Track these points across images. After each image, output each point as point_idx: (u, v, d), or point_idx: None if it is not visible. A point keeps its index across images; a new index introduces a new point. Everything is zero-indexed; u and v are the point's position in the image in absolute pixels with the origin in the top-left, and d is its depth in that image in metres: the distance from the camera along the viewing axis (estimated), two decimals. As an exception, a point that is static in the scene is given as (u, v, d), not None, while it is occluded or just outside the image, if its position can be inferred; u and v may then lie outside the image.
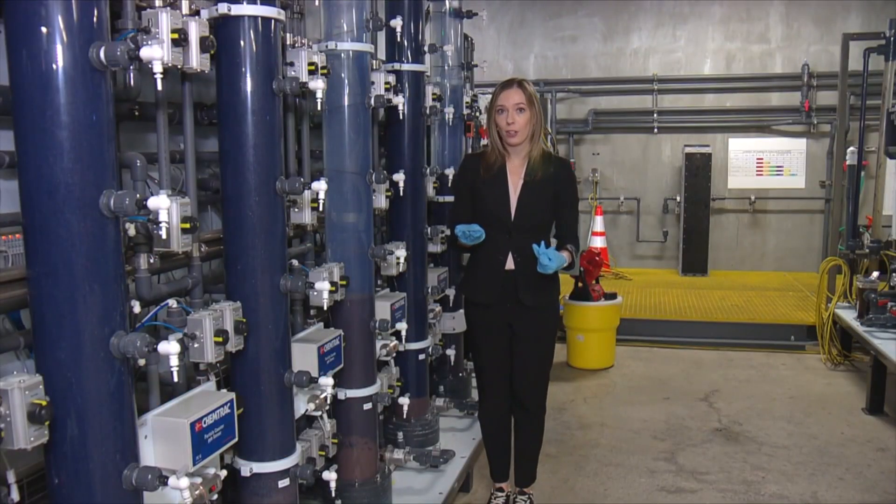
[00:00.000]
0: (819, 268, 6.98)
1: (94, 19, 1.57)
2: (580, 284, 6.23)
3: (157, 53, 1.67)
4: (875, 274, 5.85)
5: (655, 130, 9.97)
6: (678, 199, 9.77)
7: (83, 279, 1.61)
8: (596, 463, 4.38)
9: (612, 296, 6.36)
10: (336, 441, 3.00)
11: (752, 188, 9.83)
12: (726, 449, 4.59)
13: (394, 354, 3.50)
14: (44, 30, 1.51)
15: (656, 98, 9.90)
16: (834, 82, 8.01)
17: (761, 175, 9.86)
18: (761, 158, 9.84)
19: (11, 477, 1.74)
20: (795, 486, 4.09)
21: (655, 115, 9.91)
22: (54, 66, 1.52)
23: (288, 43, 2.72)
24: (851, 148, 7.01)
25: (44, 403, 1.54)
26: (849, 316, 6.07)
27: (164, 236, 1.77)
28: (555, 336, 3.55)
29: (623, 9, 9.97)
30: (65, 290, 1.60)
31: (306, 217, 2.80)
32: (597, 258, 6.40)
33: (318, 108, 2.66)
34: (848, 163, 7.07)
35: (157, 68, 1.70)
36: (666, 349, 6.89)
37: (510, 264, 3.28)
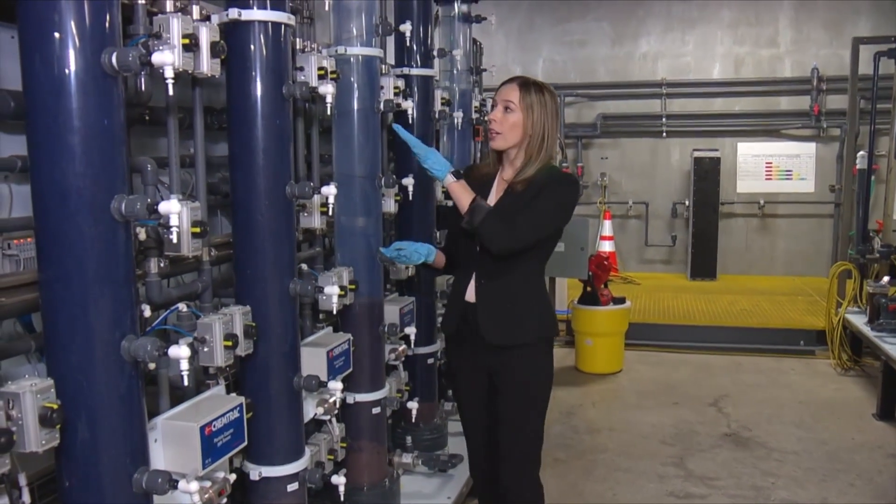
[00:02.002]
0: (829, 272, 6.95)
1: (107, 25, 1.58)
2: (589, 289, 6.22)
3: (168, 59, 1.68)
4: (886, 279, 5.83)
5: (664, 134, 9.95)
6: (687, 203, 9.74)
7: (95, 283, 1.61)
8: (604, 468, 4.37)
9: (621, 300, 6.35)
10: (345, 445, 2.99)
11: (761, 192, 9.79)
12: (735, 454, 4.57)
13: (402, 358, 3.50)
14: (57, 35, 1.52)
15: (665, 102, 9.88)
16: (844, 86, 7.97)
17: (770, 179, 9.82)
18: (770, 162, 9.81)
19: (23, 480, 1.75)
20: (805, 492, 4.07)
21: (664, 119, 9.89)
22: (67, 72, 1.53)
23: (298, 47, 2.73)
24: (861, 152, 6.98)
25: (55, 407, 1.55)
26: (859, 321, 6.04)
27: (174, 240, 1.78)
28: (545, 392, 2.77)
29: (632, 13, 9.96)
30: (76, 294, 1.60)
31: (316, 221, 2.81)
32: (605, 262, 6.38)
33: (328, 112, 2.67)
34: (858, 167, 7.04)
35: (169, 74, 1.71)
36: (675, 354, 6.87)
37: (470, 294, 2.70)
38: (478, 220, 2.52)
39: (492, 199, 2.68)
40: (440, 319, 3.99)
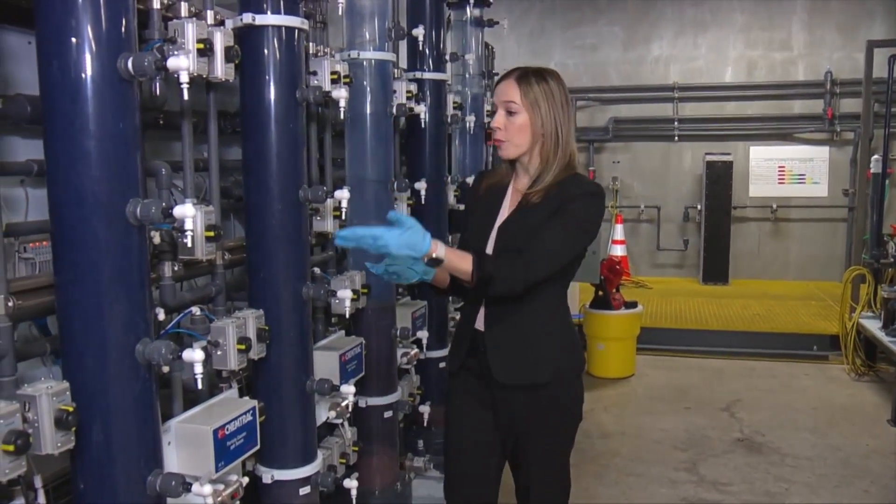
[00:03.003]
0: (842, 277, 6.90)
1: (123, 30, 1.59)
2: (600, 293, 6.21)
3: (183, 64, 1.69)
4: (900, 283, 5.79)
5: (676, 139, 9.92)
6: (699, 207, 9.71)
7: (110, 286, 1.62)
8: (616, 472, 4.35)
9: (633, 304, 6.33)
10: (357, 449, 3.00)
11: (773, 196, 9.75)
12: (748, 460, 4.54)
13: (414, 362, 3.50)
14: (74, 40, 1.53)
15: (677, 106, 9.86)
16: (858, 89, 7.93)
17: (783, 183, 9.78)
18: (783, 166, 9.76)
19: (38, 482, 1.76)
20: (819, 498, 4.04)
21: (676, 123, 9.86)
22: (83, 76, 1.54)
23: (311, 52, 2.74)
24: (876, 156, 6.93)
25: (71, 409, 1.55)
26: (873, 326, 6.00)
27: (189, 244, 1.79)
28: (573, 434, 2.43)
29: (643, 17, 9.94)
30: (92, 298, 1.61)
31: (329, 225, 2.81)
32: (617, 266, 6.37)
33: (341, 116, 2.67)
34: (872, 171, 6.99)
35: (184, 78, 1.72)
36: (687, 358, 6.84)
37: (479, 322, 2.31)
38: (487, 276, 2.07)
39: (503, 214, 2.31)
40: (452, 324, 3.99)
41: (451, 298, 4.00)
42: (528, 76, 2.26)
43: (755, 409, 5.43)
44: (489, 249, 2.26)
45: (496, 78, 2.21)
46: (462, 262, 2.05)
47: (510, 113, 2.24)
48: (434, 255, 1.97)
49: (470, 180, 4.34)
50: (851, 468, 4.40)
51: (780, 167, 9.76)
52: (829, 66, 9.39)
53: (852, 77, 9.08)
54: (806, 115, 9.58)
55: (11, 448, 1.44)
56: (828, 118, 9.36)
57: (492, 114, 2.33)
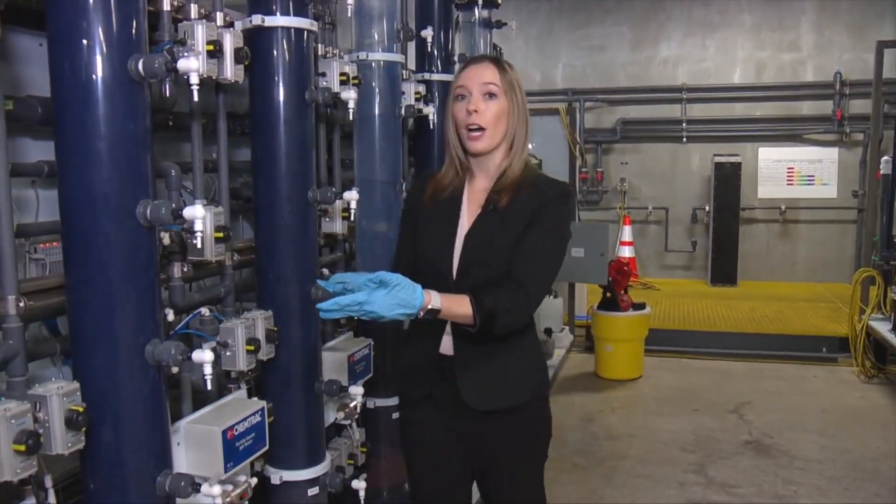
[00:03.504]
0: (852, 279, 6.88)
1: (133, 32, 1.59)
2: (608, 294, 6.20)
3: (193, 65, 1.69)
4: (910, 285, 5.77)
5: (684, 140, 9.90)
6: (707, 208, 9.69)
7: (120, 287, 1.63)
8: (624, 474, 4.34)
9: (641, 306, 6.32)
10: (365, 450, 3.00)
11: (782, 198, 9.73)
12: (757, 462, 4.53)
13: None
14: (85, 42, 1.53)
15: (685, 107, 9.84)
16: (867, 90, 7.89)
17: (792, 185, 9.75)
18: (792, 168, 9.74)
19: (49, 482, 1.77)
20: (829, 501, 4.02)
21: (684, 124, 9.84)
22: (94, 78, 1.55)
23: (320, 53, 2.74)
24: (886, 157, 6.89)
25: (81, 410, 1.56)
26: (883, 328, 5.97)
27: (198, 245, 1.79)
28: (544, 456, 2.23)
29: (652, 18, 9.92)
30: (102, 298, 1.62)
31: (337, 226, 2.82)
32: (625, 268, 6.36)
33: (350, 118, 2.68)
34: (882, 172, 6.95)
35: (194, 80, 1.72)
36: (695, 360, 6.82)
37: (446, 346, 2.09)
38: (490, 314, 1.88)
39: (464, 222, 2.08)
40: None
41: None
42: (500, 61, 2.08)
43: (764, 411, 5.41)
44: (454, 263, 2.04)
45: (457, 67, 1.97)
46: (460, 306, 1.86)
47: (490, 97, 2.02)
48: (430, 307, 1.80)
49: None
50: (861, 471, 4.38)
51: (788, 168, 9.73)
52: (838, 67, 9.36)
53: (862, 78, 9.04)
54: (815, 116, 9.55)
55: (23, 448, 1.45)
56: (837, 119, 9.33)
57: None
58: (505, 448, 2.13)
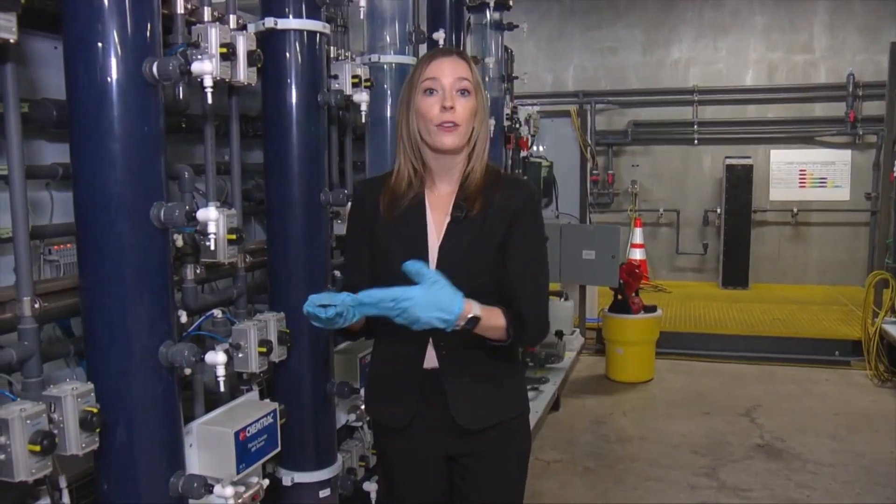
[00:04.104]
0: (865, 282, 6.84)
1: (148, 35, 1.61)
2: (619, 297, 6.18)
3: (207, 68, 1.70)
4: (924, 288, 5.73)
5: (696, 142, 9.87)
6: (718, 211, 9.65)
7: (134, 289, 1.64)
8: (635, 477, 4.33)
9: (652, 308, 6.30)
10: (375, 452, 3.00)
11: (794, 200, 9.67)
12: (769, 465, 4.50)
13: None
14: (100, 45, 1.55)
15: (696, 109, 9.80)
16: (881, 92, 7.85)
17: (804, 187, 9.70)
18: (804, 170, 9.69)
19: (63, 482, 1.78)
20: (842, 505, 4.00)
21: (696, 126, 9.81)
22: (109, 80, 1.56)
23: (332, 56, 2.75)
24: (899, 159, 6.86)
25: (95, 411, 1.57)
26: (896, 331, 5.94)
27: (211, 248, 1.80)
28: (525, 475, 2.08)
29: (663, 20, 9.90)
30: (116, 300, 1.63)
31: (349, 228, 2.82)
32: (636, 270, 6.34)
33: (363, 120, 2.68)
34: (895, 174, 6.92)
35: (208, 83, 1.74)
36: (706, 363, 6.80)
37: (430, 361, 1.91)
38: (524, 324, 1.81)
39: (433, 232, 1.90)
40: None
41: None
42: (465, 56, 1.93)
43: (775, 415, 5.38)
44: None
45: (432, 58, 1.84)
46: (496, 317, 1.75)
47: (464, 93, 1.85)
48: (471, 315, 1.67)
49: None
50: (875, 475, 4.35)
51: (801, 171, 9.68)
52: (851, 69, 9.30)
53: (875, 79, 8.99)
54: (828, 118, 9.49)
55: (38, 448, 1.46)
56: (850, 121, 9.27)
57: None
58: (493, 465, 1.98)
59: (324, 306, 1.60)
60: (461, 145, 1.86)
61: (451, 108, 1.81)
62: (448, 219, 1.89)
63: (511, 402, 2.00)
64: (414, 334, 1.72)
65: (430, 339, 1.89)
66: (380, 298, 1.57)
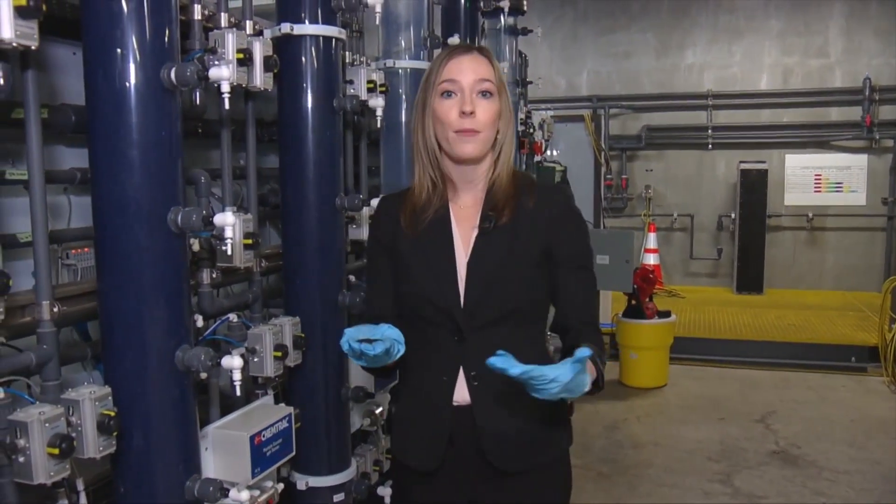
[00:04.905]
0: (882, 287, 6.78)
1: (166, 41, 1.62)
2: (633, 302, 6.16)
3: (225, 74, 1.72)
4: (941, 294, 5.68)
5: (710, 146, 9.82)
6: (733, 215, 9.60)
7: (151, 293, 1.65)
8: (649, 483, 4.31)
9: (666, 314, 6.28)
10: (390, 456, 3.00)
11: (809, 205, 9.60)
12: (784, 472, 4.47)
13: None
14: (118, 51, 1.56)
15: (711, 114, 9.76)
16: (898, 96, 7.81)
17: (819, 192, 9.63)
18: (819, 175, 9.62)
19: (80, 485, 1.79)
20: (858, 512, 3.97)
21: (710, 130, 9.76)
22: (128, 86, 1.57)
23: (347, 61, 2.76)
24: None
25: (112, 414, 1.58)
26: (914, 337, 5.88)
27: (228, 252, 1.81)
28: None
29: (677, 24, 9.87)
30: (133, 304, 1.64)
31: (364, 233, 2.83)
32: (650, 275, 6.32)
33: (378, 125, 2.69)
34: (912, 179, 6.88)
35: (225, 88, 1.75)
36: (720, 368, 6.75)
37: (462, 394, 1.70)
38: (603, 364, 1.63)
39: (460, 246, 1.72)
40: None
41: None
42: (487, 52, 1.74)
43: (791, 421, 5.34)
44: (461, 296, 1.68)
45: (450, 56, 1.67)
46: (594, 369, 1.56)
47: (486, 95, 1.67)
48: (598, 384, 1.56)
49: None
50: (892, 483, 4.30)
51: (816, 175, 9.62)
52: (867, 73, 9.24)
53: (892, 83, 8.93)
54: (843, 122, 9.43)
55: (56, 451, 1.47)
56: (866, 125, 9.20)
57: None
58: None
59: (367, 341, 1.46)
60: (483, 153, 1.69)
61: (472, 112, 1.64)
62: (476, 231, 1.71)
63: (553, 439, 1.78)
64: (442, 367, 1.67)
65: (461, 368, 1.70)
66: (536, 375, 1.38)
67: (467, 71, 1.66)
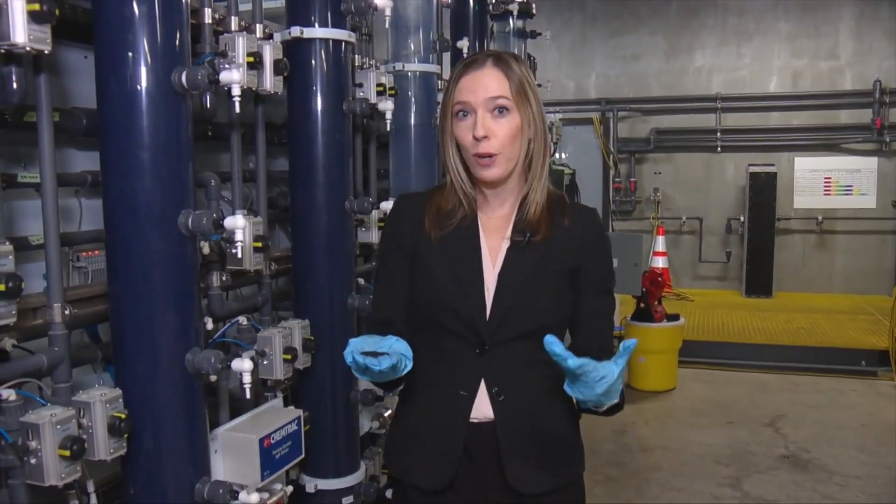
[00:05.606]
0: (892, 291, 6.75)
1: (177, 45, 1.63)
2: (642, 305, 6.15)
3: (235, 77, 1.73)
4: (952, 298, 5.64)
5: (719, 149, 9.80)
6: (742, 219, 9.57)
7: (162, 296, 1.66)
8: (658, 487, 4.29)
9: (675, 317, 6.26)
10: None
11: (819, 208, 9.57)
12: (794, 477, 4.45)
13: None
14: (130, 55, 1.57)
15: (720, 116, 9.74)
16: (908, 99, 7.77)
17: (829, 195, 9.60)
18: (829, 177, 9.59)
19: (91, 487, 1.79)
20: (869, 517, 3.95)
21: (719, 133, 9.74)
22: (139, 89, 1.58)
23: (357, 64, 2.77)
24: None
25: (123, 416, 1.59)
26: (925, 341, 5.85)
27: (238, 255, 1.81)
28: None
29: (686, 27, 9.85)
30: (144, 307, 1.65)
31: (373, 236, 2.83)
32: (659, 279, 6.30)
33: (387, 128, 2.70)
34: (923, 182, 6.85)
35: (236, 92, 1.75)
36: (729, 372, 6.73)
37: (482, 410, 1.61)
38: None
39: (488, 259, 1.64)
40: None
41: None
42: (504, 59, 1.61)
43: (800, 425, 5.32)
44: (487, 309, 1.61)
45: (463, 73, 1.60)
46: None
47: (502, 111, 1.57)
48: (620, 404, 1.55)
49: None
50: (903, 488, 4.29)
51: (826, 178, 9.58)
52: (878, 75, 9.20)
53: (903, 86, 8.91)
54: (853, 125, 9.40)
55: (68, 453, 1.48)
56: (877, 128, 9.17)
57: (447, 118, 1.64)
58: None
59: (372, 354, 1.39)
60: (507, 173, 1.60)
61: (485, 136, 1.55)
62: (506, 243, 1.64)
63: (573, 459, 1.72)
64: (460, 380, 1.59)
65: (483, 382, 1.61)
66: (581, 364, 1.35)
67: (478, 90, 1.57)
